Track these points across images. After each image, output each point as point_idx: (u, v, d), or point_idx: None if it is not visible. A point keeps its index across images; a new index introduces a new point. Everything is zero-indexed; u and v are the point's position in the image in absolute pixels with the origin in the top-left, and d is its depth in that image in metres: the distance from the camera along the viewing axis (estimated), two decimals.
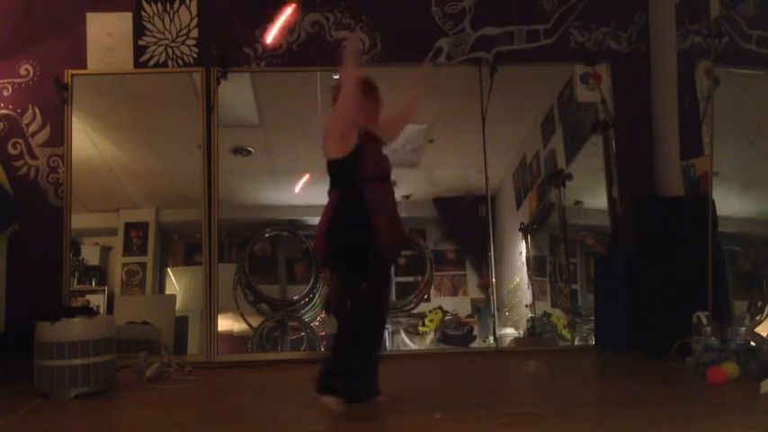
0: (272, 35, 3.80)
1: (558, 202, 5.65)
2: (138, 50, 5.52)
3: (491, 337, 5.48)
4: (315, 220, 5.44)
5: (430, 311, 5.55)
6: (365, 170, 3.78)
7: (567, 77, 5.75)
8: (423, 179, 5.77)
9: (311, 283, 5.53)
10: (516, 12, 5.74)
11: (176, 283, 5.49)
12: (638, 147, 5.71)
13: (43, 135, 5.45)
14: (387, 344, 5.42)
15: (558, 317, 5.58)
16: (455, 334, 5.51)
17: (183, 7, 5.57)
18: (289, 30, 3.85)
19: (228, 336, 5.36)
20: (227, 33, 5.56)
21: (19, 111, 5.44)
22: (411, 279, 5.65)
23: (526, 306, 5.61)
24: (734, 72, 5.01)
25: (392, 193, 3.95)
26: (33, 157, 5.44)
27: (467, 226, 5.68)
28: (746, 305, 4.83)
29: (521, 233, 5.72)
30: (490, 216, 5.60)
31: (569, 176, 5.64)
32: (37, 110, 5.45)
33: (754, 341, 4.31)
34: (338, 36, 5.64)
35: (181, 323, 5.40)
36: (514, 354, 5.33)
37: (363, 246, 3.73)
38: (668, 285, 4.84)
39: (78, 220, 5.38)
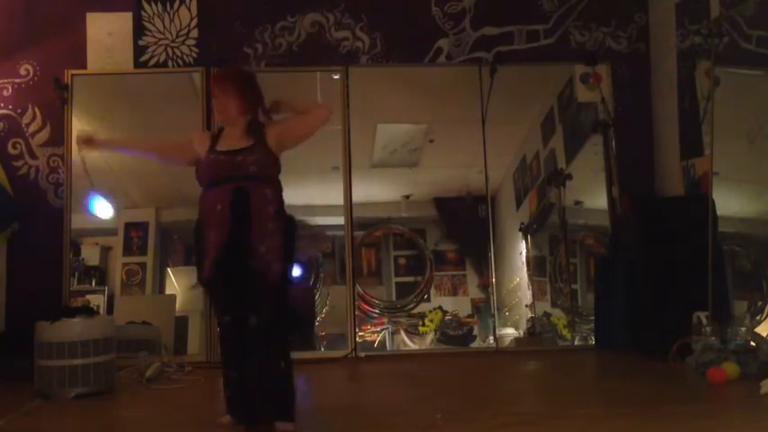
0: None
1: (558, 202, 5.64)
2: (138, 50, 5.53)
3: (491, 337, 5.48)
4: (315, 220, 5.49)
5: (430, 311, 5.55)
6: (198, 175, 3.48)
7: (567, 77, 5.75)
8: (423, 179, 5.76)
9: (311, 282, 5.52)
10: (516, 12, 5.74)
11: (176, 283, 5.48)
12: (638, 147, 5.71)
13: (43, 135, 5.45)
14: (387, 344, 5.44)
15: (558, 317, 5.58)
16: (455, 334, 5.50)
17: (183, 7, 5.57)
18: None
19: None
20: (228, 33, 5.57)
21: (19, 111, 5.44)
22: (411, 279, 5.65)
23: (526, 306, 5.61)
24: (734, 72, 5.00)
25: (223, 199, 3.31)
26: (33, 157, 5.44)
27: (467, 226, 5.68)
28: (746, 305, 4.81)
29: (521, 233, 5.71)
30: (490, 216, 5.60)
31: (569, 176, 5.63)
32: (37, 110, 5.45)
33: (754, 341, 4.30)
34: (338, 36, 5.65)
35: (181, 323, 5.39)
36: (514, 354, 5.33)
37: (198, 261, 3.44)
38: (668, 285, 4.84)
39: (78, 220, 5.38)
